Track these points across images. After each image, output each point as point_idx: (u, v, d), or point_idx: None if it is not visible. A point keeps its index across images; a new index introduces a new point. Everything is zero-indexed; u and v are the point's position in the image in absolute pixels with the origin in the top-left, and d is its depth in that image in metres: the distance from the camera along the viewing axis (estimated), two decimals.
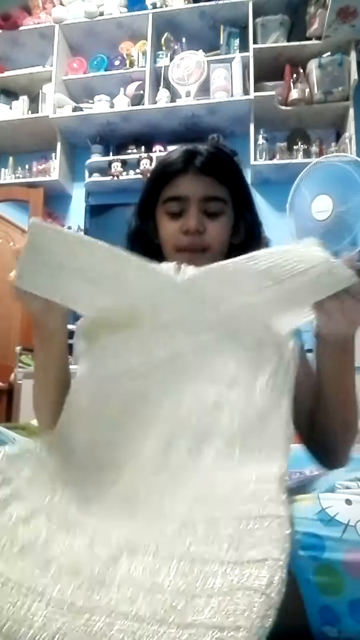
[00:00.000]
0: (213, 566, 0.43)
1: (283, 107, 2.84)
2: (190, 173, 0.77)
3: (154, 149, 3.04)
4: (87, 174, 3.14)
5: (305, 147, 2.86)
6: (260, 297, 0.61)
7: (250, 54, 2.87)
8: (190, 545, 0.46)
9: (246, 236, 0.82)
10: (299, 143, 2.87)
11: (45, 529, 0.50)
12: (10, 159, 3.30)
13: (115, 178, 2.99)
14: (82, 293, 0.64)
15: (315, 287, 0.58)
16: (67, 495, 0.56)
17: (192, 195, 0.77)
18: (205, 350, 0.63)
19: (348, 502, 0.47)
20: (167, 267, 0.67)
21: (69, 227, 3.20)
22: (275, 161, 2.85)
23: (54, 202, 3.25)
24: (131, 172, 2.99)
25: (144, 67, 3.01)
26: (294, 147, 2.87)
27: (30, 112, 3.21)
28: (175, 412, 0.61)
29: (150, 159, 2.93)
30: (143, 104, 2.99)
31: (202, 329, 0.63)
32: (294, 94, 2.81)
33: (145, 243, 0.83)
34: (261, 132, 2.87)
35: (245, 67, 2.91)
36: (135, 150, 3.09)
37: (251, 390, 0.60)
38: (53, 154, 3.18)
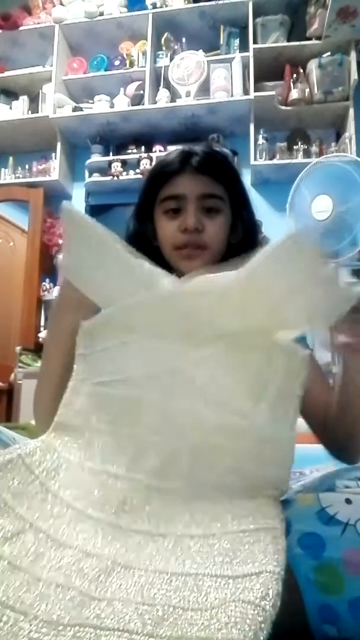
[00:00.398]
0: (207, 580, 0.42)
1: (283, 107, 2.84)
2: (187, 172, 0.78)
3: (154, 149, 3.04)
4: (87, 174, 3.14)
5: (305, 147, 2.86)
6: (256, 320, 0.56)
7: (250, 54, 2.87)
8: (184, 559, 0.46)
9: (244, 235, 0.83)
10: (299, 143, 2.87)
11: (34, 546, 0.49)
12: (10, 159, 3.30)
13: (115, 178, 2.99)
14: (101, 288, 0.63)
15: (317, 310, 0.54)
16: (58, 508, 0.55)
17: (189, 193, 0.77)
18: (205, 366, 0.58)
19: (348, 501, 0.47)
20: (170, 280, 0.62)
21: None
22: (275, 161, 2.85)
23: (54, 202, 3.25)
24: (131, 172, 2.99)
25: (144, 67, 3.01)
26: (294, 147, 2.87)
27: (30, 112, 3.21)
28: (171, 429, 0.57)
29: (150, 159, 2.93)
30: (143, 104, 2.99)
31: (201, 343, 0.58)
32: (294, 94, 2.81)
33: (144, 245, 0.83)
34: (261, 132, 2.87)
35: (245, 67, 2.91)
36: (135, 150, 3.09)
37: (253, 414, 0.56)
38: (53, 154, 3.18)
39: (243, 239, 0.82)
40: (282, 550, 0.43)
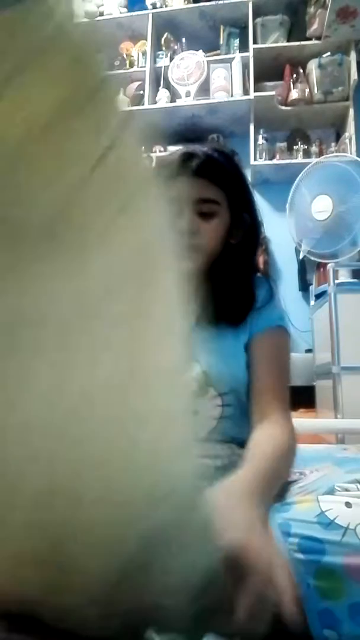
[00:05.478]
0: None
1: (283, 107, 2.84)
2: (186, 175, 0.78)
3: (153, 149, 3.03)
4: None
5: (305, 147, 2.86)
6: None
7: (250, 54, 2.87)
8: None
9: (244, 236, 0.84)
10: (299, 143, 2.87)
11: None
12: None
13: None
14: None
15: None
16: None
17: (186, 197, 0.78)
18: None
19: (348, 504, 0.47)
20: None
21: None
22: (275, 161, 2.85)
23: None
24: None
25: (144, 67, 3.01)
26: (294, 147, 2.87)
27: None
28: None
29: (150, 159, 2.93)
30: (143, 104, 2.98)
31: None
32: (294, 94, 2.81)
33: None
34: (261, 132, 2.87)
35: (245, 67, 2.91)
36: None
37: None
38: None
39: (243, 239, 0.83)
40: None
